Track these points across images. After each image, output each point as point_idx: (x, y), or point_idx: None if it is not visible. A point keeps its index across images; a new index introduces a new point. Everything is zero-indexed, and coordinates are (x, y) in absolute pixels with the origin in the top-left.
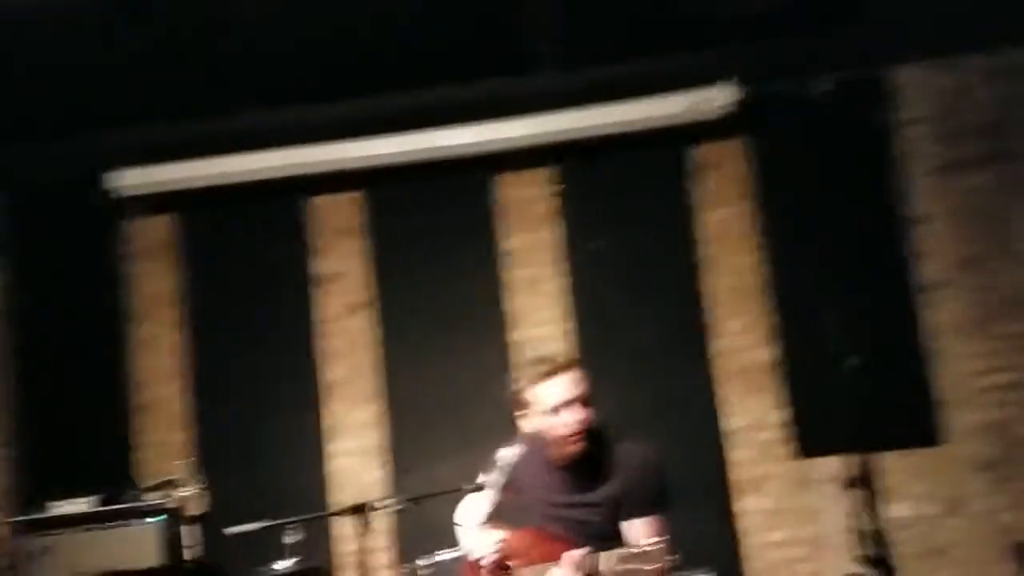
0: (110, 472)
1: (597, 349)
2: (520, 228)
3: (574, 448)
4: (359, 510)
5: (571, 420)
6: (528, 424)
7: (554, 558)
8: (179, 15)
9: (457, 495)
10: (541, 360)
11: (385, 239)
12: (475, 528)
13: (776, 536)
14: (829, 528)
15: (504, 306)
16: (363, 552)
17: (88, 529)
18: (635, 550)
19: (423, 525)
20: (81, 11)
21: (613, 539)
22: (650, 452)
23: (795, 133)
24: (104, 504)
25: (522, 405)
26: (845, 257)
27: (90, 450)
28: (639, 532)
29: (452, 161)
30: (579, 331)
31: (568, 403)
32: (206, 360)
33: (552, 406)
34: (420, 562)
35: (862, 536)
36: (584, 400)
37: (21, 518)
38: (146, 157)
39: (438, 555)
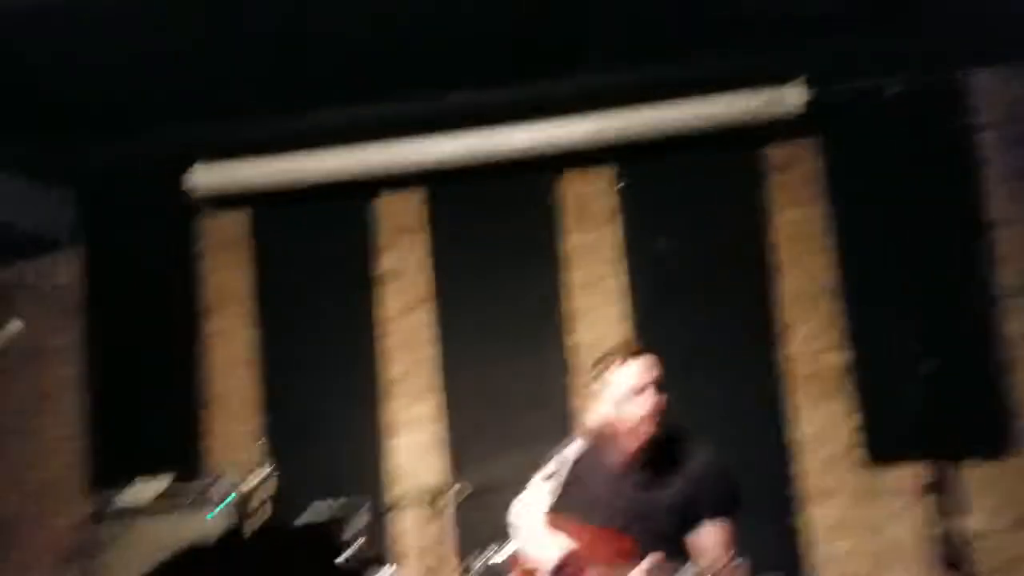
0: (181, 460)
1: (659, 349)
2: (582, 227)
3: (648, 433)
4: (427, 499)
5: (649, 403)
6: (601, 411)
7: (620, 560)
8: (255, 14)
9: (516, 490)
10: (621, 345)
11: (447, 237)
12: (536, 528)
13: (844, 546)
14: (898, 539)
15: (564, 305)
16: (428, 542)
17: (160, 514)
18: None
19: (480, 520)
20: (159, 5)
21: (674, 539)
22: (718, 459)
23: (867, 135)
24: (174, 491)
25: (597, 392)
26: (918, 262)
27: (162, 438)
28: (708, 537)
29: (515, 160)
30: (640, 332)
31: (646, 386)
32: (274, 353)
33: (631, 388)
34: (474, 558)
35: (941, 545)
36: (660, 384)
37: (93, 505)
38: (221, 154)
39: (492, 551)
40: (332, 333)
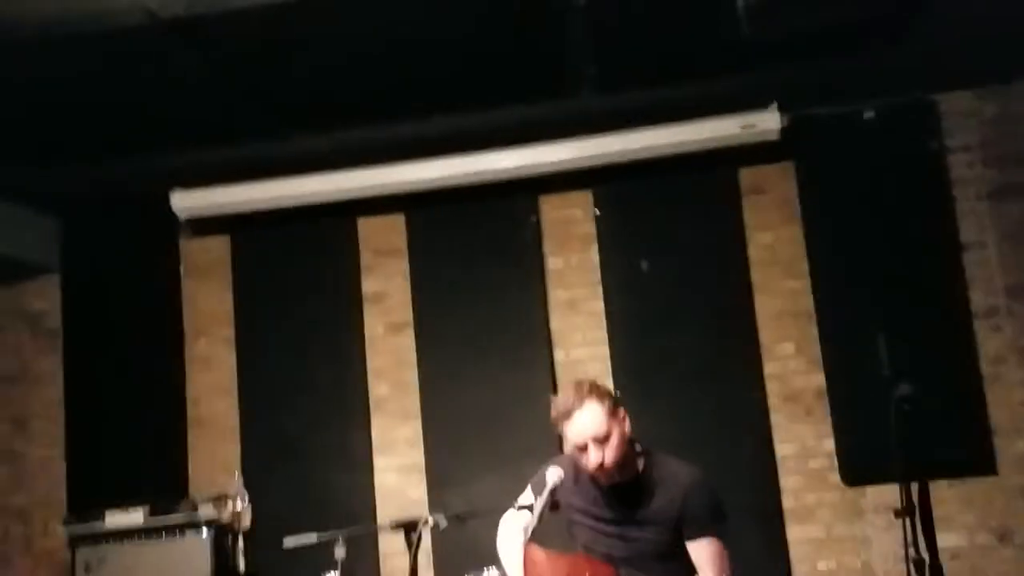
0: (163, 485)
1: (638, 371)
2: (562, 249)
3: (605, 481)
4: (411, 526)
5: (594, 460)
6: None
7: None
8: (234, 41)
9: (501, 513)
10: (575, 387)
11: (429, 260)
12: (513, 562)
13: (825, 565)
14: (879, 557)
15: (546, 326)
16: (413, 568)
17: (140, 541)
18: None
19: (463, 542)
20: (139, 35)
21: (665, 559)
22: (700, 473)
23: (843, 158)
24: (156, 516)
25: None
26: (894, 282)
27: (144, 463)
28: (697, 553)
29: (496, 183)
30: (620, 353)
31: (587, 442)
32: (257, 376)
33: (576, 445)
34: None
35: (915, 566)
36: (602, 437)
37: (75, 529)
38: (203, 179)
39: (484, 573)
40: (315, 357)
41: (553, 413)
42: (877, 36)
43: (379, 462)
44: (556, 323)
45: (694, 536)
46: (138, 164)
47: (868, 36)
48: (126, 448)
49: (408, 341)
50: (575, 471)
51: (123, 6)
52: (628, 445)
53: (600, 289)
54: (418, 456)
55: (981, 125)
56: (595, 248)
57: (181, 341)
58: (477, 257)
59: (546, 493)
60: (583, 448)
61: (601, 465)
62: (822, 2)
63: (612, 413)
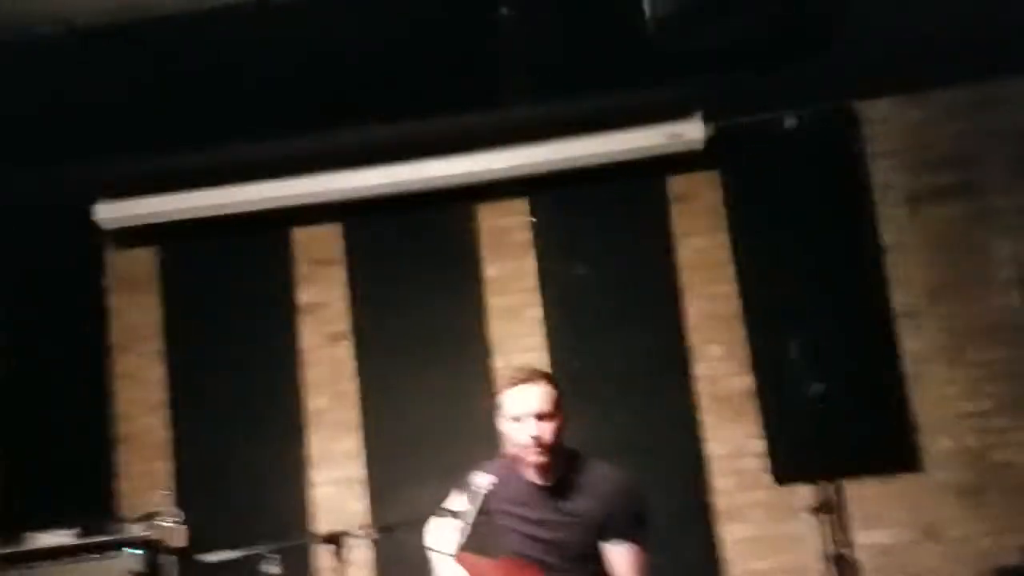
0: (91, 503)
1: (574, 376)
2: (499, 257)
3: (533, 460)
4: (336, 539)
5: (529, 432)
6: (502, 429)
7: None
8: (163, 49)
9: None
10: (520, 368)
11: (365, 269)
12: (448, 560)
13: (758, 564)
14: (811, 556)
15: (484, 334)
16: None
17: (68, 561)
18: None
19: (401, 554)
20: (64, 43)
21: (588, 560)
22: (630, 479)
23: (767, 165)
24: (84, 536)
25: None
26: (818, 285)
27: (71, 481)
28: (616, 558)
29: (431, 192)
30: (559, 358)
31: (529, 415)
32: (188, 391)
33: (514, 415)
34: None
35: (834, 562)
36: (545, 415)
37: (2, 549)
38: (129, 189)
39: None
40: (249, 368)
41: (499, 383)
42: (801, 45)
43: (317, 475)
44: (494, 330)
45: (615, 540)
46: (61, 174)
47: (792, 45)
48: (53, 466)
49: (346, 352)
50: (505, 473)
51: (39, 16)
52: (561, 444)
53: (537, 296)
54: (357, 468)
55: (902, 132)
56: (531, 255)
57: (108, 356)
58: (415, 266)
59: (478, 500)
60: (521, 419)
61: (538, 440)
62: (729, 17)
63: (558, 403)
